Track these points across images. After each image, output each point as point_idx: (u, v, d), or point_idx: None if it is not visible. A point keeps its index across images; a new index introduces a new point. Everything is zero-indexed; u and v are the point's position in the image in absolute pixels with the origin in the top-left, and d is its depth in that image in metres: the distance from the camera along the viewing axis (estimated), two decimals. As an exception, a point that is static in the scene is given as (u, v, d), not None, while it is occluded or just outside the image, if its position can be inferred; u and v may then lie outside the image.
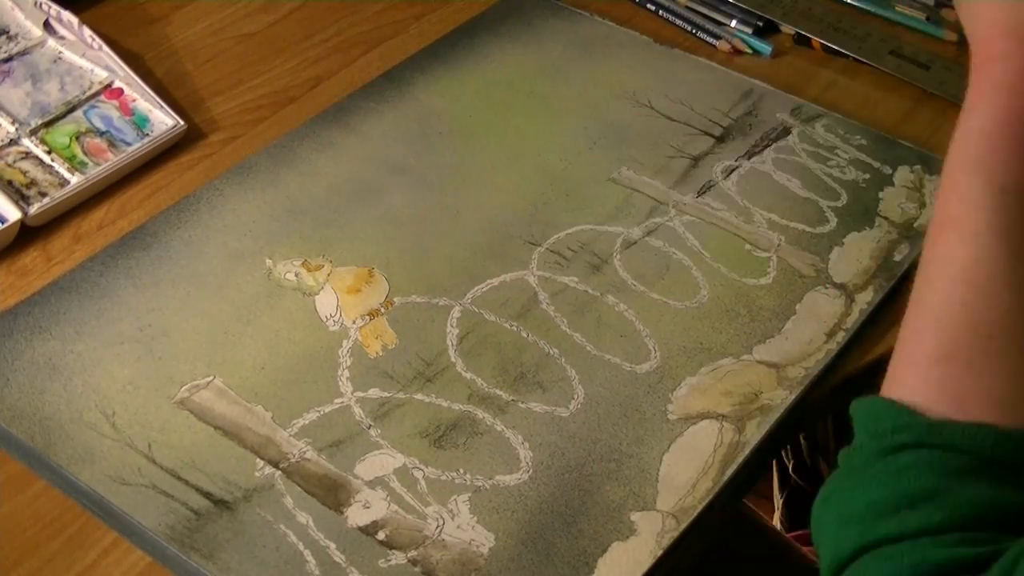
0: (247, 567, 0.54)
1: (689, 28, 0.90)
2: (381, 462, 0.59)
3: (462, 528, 0.56)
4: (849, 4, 0.91)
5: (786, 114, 0.81)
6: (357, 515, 0.56)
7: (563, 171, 0.76)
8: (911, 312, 0.50)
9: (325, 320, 0.65)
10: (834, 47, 0.87)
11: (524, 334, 0.65)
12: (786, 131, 0.79)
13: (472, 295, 0.67)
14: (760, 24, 0.89)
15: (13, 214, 0.70)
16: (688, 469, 0.59)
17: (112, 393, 0.61)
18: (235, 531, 0.55)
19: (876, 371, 0.66)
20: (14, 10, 0.84)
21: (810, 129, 0.79)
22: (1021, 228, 0.48)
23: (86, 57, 0.81)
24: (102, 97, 0.79)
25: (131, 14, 0.88)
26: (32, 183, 0.72)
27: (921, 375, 0.48)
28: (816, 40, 0.88)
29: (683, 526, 0.56)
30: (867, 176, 0.76)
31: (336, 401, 0.61)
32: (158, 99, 0.78)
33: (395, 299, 0.67)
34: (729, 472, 0.59)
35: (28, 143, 0.75)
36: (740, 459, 0.60)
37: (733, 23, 0.90)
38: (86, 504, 0.58)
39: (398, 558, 0.55)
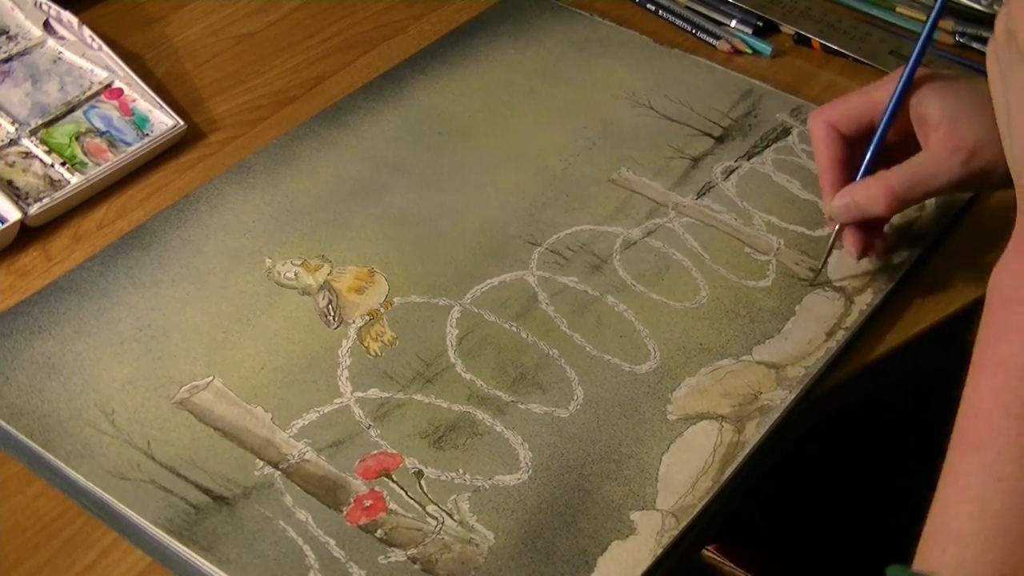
0: (246, 560, 0.54)
1: (689, 28, 0.90)
2: (381, 462, 0.59)
3: (462, 527, 0.56)
4: (849, 4, 0.91)
5: (786, 114, 0.81)
6: (356, 513, 0.56)
7: (563, 171, 0.76)
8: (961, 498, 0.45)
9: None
10: (834, 47, 0.87)
11: (524, 335, 0.65)
12: (786, 131, 0.79)
13: (472, 295, 0.67)
14: (760, 24, 0.89)
15: (13, 214, 0.70)
16: (688, 469, 0.59)
17: (111, 392, 0.61)
18: (234, 526, 0.55)
19: (877, 371, 0.66)
20: (14, 10, 0.84)
21: (810, 129, 0.79)
22: None
23: (86, 57, 0.81)
24: (102, 97, 0.79)
25: (131, 14, 0.89)
26: (32, 183, 0.72)
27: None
28: (816, 40, 0.88)
29: (683, 525, 0.56)
30: (867, 176, 0.76)
31: (336, 401, 0.61)
32: (158, 99, 0.78)
33: (395, 299, 0.67)
34: (729, 472, 0.59)
35: (28, 143, 0.75)
36: (740, 459, 0.59)
37: (733, 23, 0.90)
38: (86, 504, 0.58)
39: (397, 555, 0.55)
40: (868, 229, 0.68)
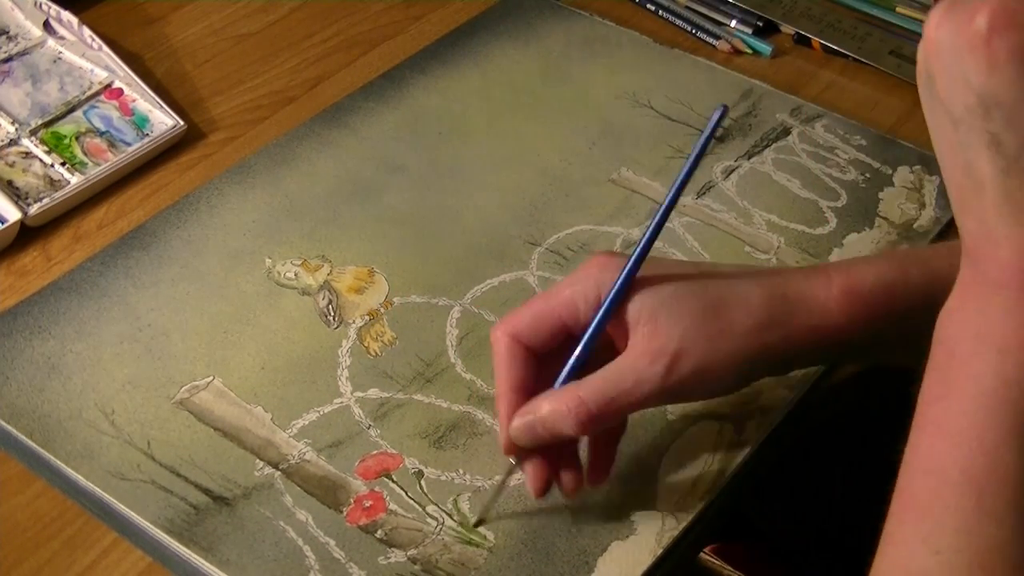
0: (246, 560, 0.54)
1: (689, 28, 0.90)
2: (381, 462, 0.59)
3: (462, 527, 0.56)
4: (849, 4, 0.91)
5: (786, 114, 0.81)
6: (356, 514, 0.56)
7: (563, 171, 0.76)
8: None
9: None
10: (834, 47, 0.87)
11: (524, 334, 0.65)
12: (786, 131, 0.79)
13: (472, 295, 0.67)
14: (760, 24, 0.89)
15: (13, 214, 0.70)
16: (688, 469, 0.59)
17: (111, 392, 0.61)
18: (234, 526, 0.55)
19: (877, 371, 0.66)
20: (14, 10, 0.84)
21: (810, 129, 0.79)
22: None
23: (86, 57, 0.81)
24: (102, 97, 0.79)
25: (131, 14, 0.89)
26: (32, 183, 0.72)
27: None
28: (816, 40, 0.88)
29: (683, 525, 0.56)
30: (867, 176, 0.76)
31: (335, 401, 0.61)
32: (158, 99, 0.78)
33: (395, 299, 0.67)
34: (729, 472, 0.59)
35: (28, 143, 0.75)
36: (739, 459, 0.59)
37: (733, 23, 0.90)
38: (86, 504, 0.58)
39: (397, 555, 0.55)
40: (557, 457, 0.55)
